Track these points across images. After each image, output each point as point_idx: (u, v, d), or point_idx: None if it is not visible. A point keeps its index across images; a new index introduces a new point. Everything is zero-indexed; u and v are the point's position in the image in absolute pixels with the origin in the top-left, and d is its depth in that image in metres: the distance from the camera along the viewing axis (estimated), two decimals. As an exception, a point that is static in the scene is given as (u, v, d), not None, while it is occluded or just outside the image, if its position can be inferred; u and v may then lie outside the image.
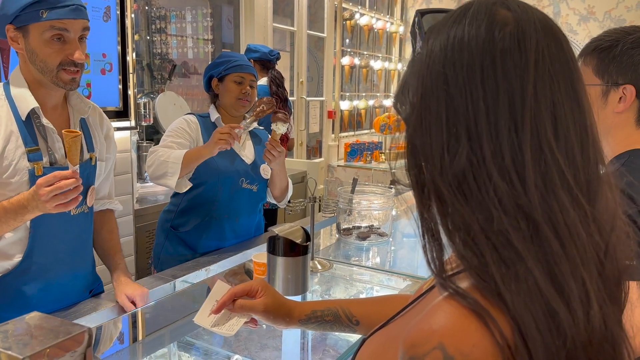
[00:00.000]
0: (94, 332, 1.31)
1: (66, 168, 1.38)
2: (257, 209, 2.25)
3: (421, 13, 0.66)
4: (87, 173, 1.54)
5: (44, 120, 1.42)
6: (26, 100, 1.40)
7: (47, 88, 1.44)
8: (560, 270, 0.53)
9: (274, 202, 2.29)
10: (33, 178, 1.38)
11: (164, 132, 2.16)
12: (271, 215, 3.52)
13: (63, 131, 1.32)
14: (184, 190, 2.01)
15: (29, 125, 1.41)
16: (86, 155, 1.54)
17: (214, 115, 2.14)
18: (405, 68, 0.66)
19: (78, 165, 1.32)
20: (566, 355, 0.52)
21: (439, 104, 0.57)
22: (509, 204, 0.53)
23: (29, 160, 1.39)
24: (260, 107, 2.06)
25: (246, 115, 2.16)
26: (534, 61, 0.55)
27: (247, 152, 2.17)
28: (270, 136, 2.08)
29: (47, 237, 1.46)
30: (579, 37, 5.08)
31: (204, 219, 2.09)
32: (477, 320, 0.51)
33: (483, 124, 0.54)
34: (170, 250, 2.12)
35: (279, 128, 2.03)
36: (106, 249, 1.70)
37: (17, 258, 1.44)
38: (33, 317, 0.89)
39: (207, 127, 2.13)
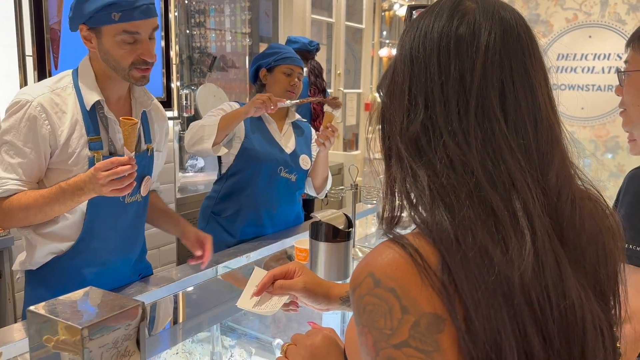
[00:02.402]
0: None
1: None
2: (295, 199, 2.26)
3: (411, 8, 0.76)
4: (144, 163, 1.57)
5: (107, 112, 1.47)
6: (91, 92, 1.44)
7: (114, 80, 1.48)
8: (499, 219, 0.61)
9: (313, 193, 2.30)
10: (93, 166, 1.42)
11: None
12: (309, 206, 3.54)
13: (121, 118, 1.35)
14: (220, 154, 2.05)
15: (92, 115, 1.45)
16: (143, 146, 1.58)
17: None
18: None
19: (134, 152, 1.35)
20: (502, 293, 0.59)
21: (404, 79, 0.67)
22: (456, 161, 0.63)
23: (89, 149, 1.43)
24: (309, 97, 2.09)
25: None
26: (485, 45, 0.64)
27: (288, 142, 2.19)
28: (323, 120, 2.08)
29: (101, 222, 1.51)
30: (628, 28, 4.89)
31: (243, 205, 2.12)
32: (401, 250, 0.61)
33: (437, 94, 0.64)
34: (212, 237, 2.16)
35: (336, 112, 2.05)
36: (173, 219, 1.80)
37: (71, 241, 1.49)
38: (89, 291, 0.92)
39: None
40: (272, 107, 1.96)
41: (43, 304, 0.94)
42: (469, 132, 0.63)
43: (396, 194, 0.68)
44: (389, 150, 0.69)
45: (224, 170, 2.15)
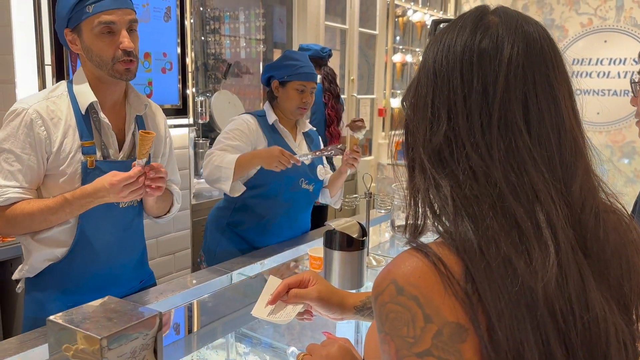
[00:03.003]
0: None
1: (117, 161, 1.50)
2: (311, 208, 2.27)
3: (435, 23, 0.77)
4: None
5: (101, 115, 1.50)
6: (86, 96, 1.48)
7: (106, 84, 1.52)
8: (522, 230, 0.61)
9: (328, 202, 2.30)
10: (85, 170, 1.47)
11: (219, 129, 2.20)
12: (322, 213, 3.53)
13: (141, 131, 1.43)
14: (238, 195, 2.02)
15: (86, 120, 1.49)
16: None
17: (271, 117, 2.12)
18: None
19: (145, 160, 1.42)
20: (526, 304, 0.59)
21: (427, 92, 0.68)
22: (479, 172, 0.63)
23: (83, 154, 1.47)
24: (329, 152, 2.08)
25: (310, 151, 2.15)
26: (508, 58, 0.64)
27: (304, 153, 2.18)
28: (348, 144, 2.10)
29: (95, 227, 1.53)
30: (644, 31, 4.84)
31: (265, 217, 2.11)
32: (425, 259, 0.62)
33: (460, 106, 0.65)
34: (228, 247, 2.15)
35: (360, 134, 2.06)
36: None
37: (66, 247, 1.51)
38: (108, 301, 0.94)
39: (266, 127, 2.11)
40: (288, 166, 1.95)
41: (62, 313, 0.95)
42: (491, 144, 0.63)
43: (419, 204, 0.69)
44: (412, 161, 0.70)
45: (242, 182, 2.12)
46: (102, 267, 1.57)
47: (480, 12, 0.69)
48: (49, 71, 2.32)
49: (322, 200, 2.30)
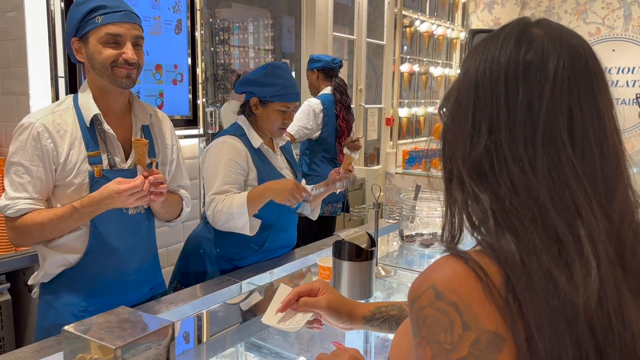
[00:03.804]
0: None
1: (123, 170, 1.54)
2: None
3: (473, 33, 0.77)
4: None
5: (105, 126, 1.54)
6: (89, 108, 1.53)
7: (108, 94, 1.56)
8: (563, 245, 0.61)
9: (307, 214, 2.25)
10: (93, 180, 1.51)
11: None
12: (330, 224, 3.54)
13: (133, 140, 1.48)
14: (256, 232, 1.92)
15: (91, 131, 1.53)
16: (147, 161, 1.63)
17: (257, 141, 1.99)
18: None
19: (141, 166, 1.48)
20: (566, 317, 0.59)
21: (468, 104, 0.67)
22: (520, 186, 0.63)
23: (89, 164, 1.51)
24: (339, 184, 2.02)
25: (320, 188, 2.07)
26: (554, 71, 0.64)
27: (288, 171, 2.13)
28: (343, 162, 2.06)
29: (106, 234, 1.56)
30: (653, 40, 4.83)
31: (261, 246, 2.04)
32: (464, 265, 0.62)
33: (503, 119, 0.64)
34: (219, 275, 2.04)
35: (357, 154, 2.06)
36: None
37: (79, 253, 1.55)
38: (121, 311, 0.95)
39: (251, 150, 1.99)
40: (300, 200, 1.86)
41: (76, 323, 0.97)
42: (535, 158, 0.63)
43: (456, 215, 0.69)
44: (450, 173, 0.70)
45: None
46: (113, 273, 1.60)
47: (524, 25, 0.69)
48: (62, 83, 2.36)
49: (303, 211, 2.25)
